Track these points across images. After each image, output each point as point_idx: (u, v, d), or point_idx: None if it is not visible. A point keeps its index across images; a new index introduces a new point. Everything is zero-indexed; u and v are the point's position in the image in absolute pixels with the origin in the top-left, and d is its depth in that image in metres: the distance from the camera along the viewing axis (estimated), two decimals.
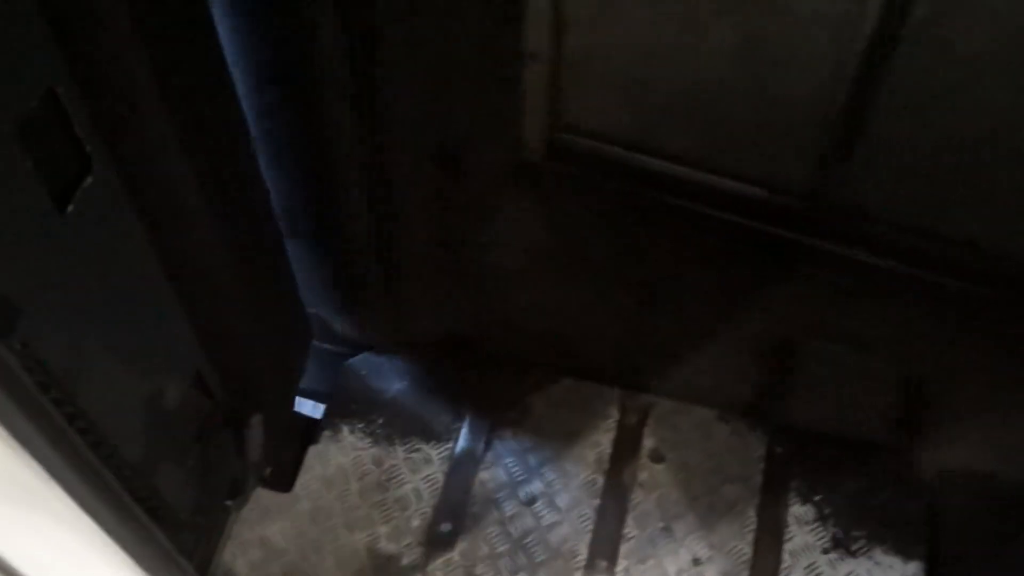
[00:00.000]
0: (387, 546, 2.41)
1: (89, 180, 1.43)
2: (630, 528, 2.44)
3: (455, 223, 2.43)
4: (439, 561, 2.39)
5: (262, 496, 2.44)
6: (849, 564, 2.40)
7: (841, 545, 2.42)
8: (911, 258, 2.44)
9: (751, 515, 2.45)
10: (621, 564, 2.40)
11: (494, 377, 2.64)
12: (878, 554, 2.41)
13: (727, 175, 2.46)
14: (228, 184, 1.89)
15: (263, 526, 2.41)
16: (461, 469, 2.51)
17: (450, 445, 2.54)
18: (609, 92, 2.37)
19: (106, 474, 1.52)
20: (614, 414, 2.59)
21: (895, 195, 2.41)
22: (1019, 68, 1.86)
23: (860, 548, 2.42)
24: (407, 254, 2.44)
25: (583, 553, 2.41)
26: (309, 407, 2.73)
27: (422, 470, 2.50)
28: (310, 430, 2.56)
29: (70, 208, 1.39)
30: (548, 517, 2.45)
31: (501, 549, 2.41)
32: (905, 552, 2.41)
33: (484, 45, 2.10)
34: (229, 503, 2.34)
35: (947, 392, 2.53)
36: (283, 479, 2.48)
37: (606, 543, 2.42)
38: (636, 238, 2.53)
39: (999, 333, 2.46)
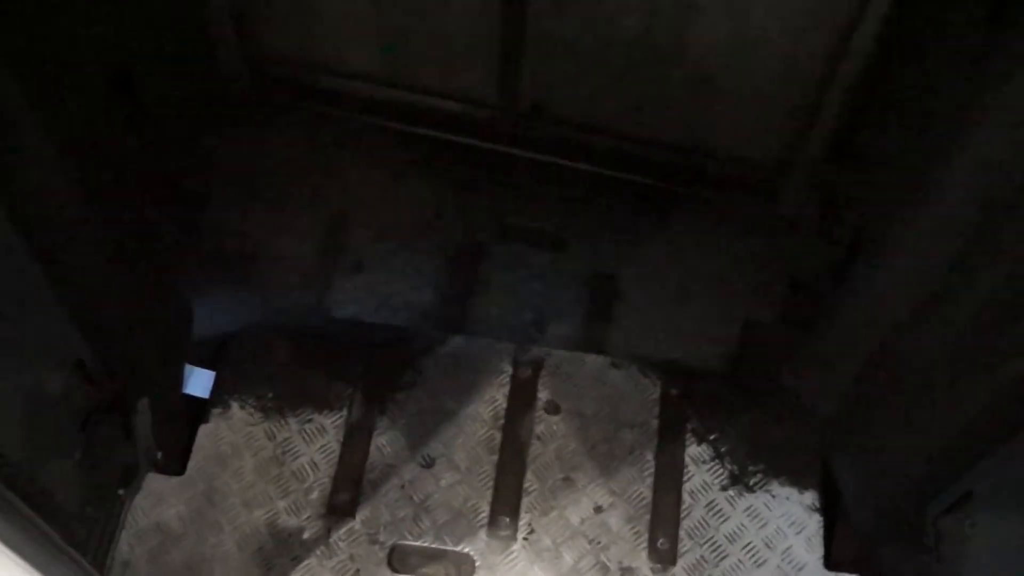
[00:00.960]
0: (287, 521, 2.37)
1: None
2: (530, 481, 2.44)
3: (155, 154, 2.37)
4: (341, 531, 2.36)
5: (155, 481, 2.38)
6: (747, 499, 2.44)
7: (739, 481, 2.46)
8: (596, 158, 2.53)
9: (649, 459, 2.47)
10: (524, 518, 2.40)
11: (384, 341, 2.61)
12: (775, 487, 2.45)
13: (422, 91, 2.50)
14: (95, 163, 1.82)
15: (158, 512, 2.36)
16: (356, 437, 2.48)
17: (343, 413, 2.50)
18: (290, 16, 2.38)
19: None
20: (507, 369, 2.58)
21: (571, 96, 2.49)
22: None
23: (757, 483, 2.46)
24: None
25: (485, 510, 2.40)
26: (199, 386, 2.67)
27: (317, 441, 2.47)
28: (199, 410, 2.50)
29: None
30: (448, 478, 2.44)
31: (402, 514, 2.39)
32: (800, 483, 2.46)
33: None
34: (121, 491, 2.28)
35: (637, 285, 2.67)
36: (175, 462, 2.42)
37: (508, 498, 2.42)
38: (338, 160, 2.61)
39: (686, 228, 2.57)
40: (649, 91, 2.45)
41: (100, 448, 2.12)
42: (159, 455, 2.35)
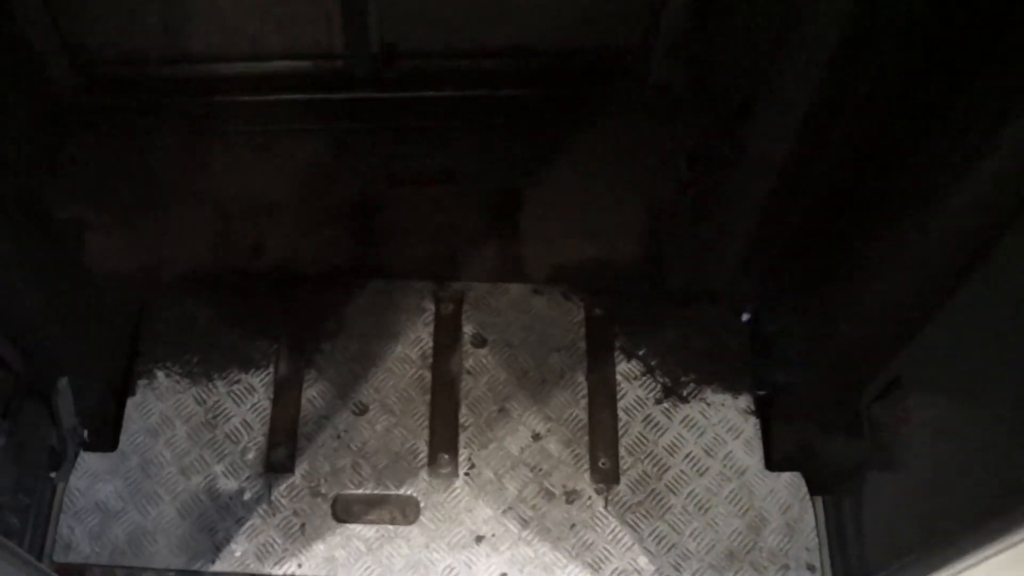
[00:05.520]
0: (227, 484, 2.35)
1: None
2: (466, 416, 2.44)
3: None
4: (282, 487, 2.35)
5: (88, 460, 2.35)
6: (683, 410, 2.46)
7: (672, 393, 2.47)
8: (462, 82, 2.53)
9: (581, 381, 2.48)
10: (463, 453, 2.40)
11: (301, 292, 2.57)
12: (708, 394, 2.47)
13: (268, 58, 2.49)
14: None
15: (95, 491, 2.32)
16: (286, 392, 2.46)
17: (270, 370, 2.48)
18: (111, 9, 2.34)
19: None
20: (429, 307, 2.56)
21: (421, 27, 2.49)
22: None
23: (690, 392, 2.47)
24: None
25: (424, 450, 2.40)
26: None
27: (247, 400, 2.44)
28: (123, 382, 2.46)
29: None
30: (383, 422, 2.42)
31: (342, 463, 2.38)
32: (733, 388, 2.48)
33: None
34: (52, 475, 2.25)
35: (540, 198, 2.69)
36: (105, 438, 2.38)
37: (445, 436, 2.42)
38: (203, 149, 2.62)
39: (574, 130, 2.66)
40: (495, 3, 2.45)
41: (24, 433, 2.08)
42: (85, 434, 2.32)
